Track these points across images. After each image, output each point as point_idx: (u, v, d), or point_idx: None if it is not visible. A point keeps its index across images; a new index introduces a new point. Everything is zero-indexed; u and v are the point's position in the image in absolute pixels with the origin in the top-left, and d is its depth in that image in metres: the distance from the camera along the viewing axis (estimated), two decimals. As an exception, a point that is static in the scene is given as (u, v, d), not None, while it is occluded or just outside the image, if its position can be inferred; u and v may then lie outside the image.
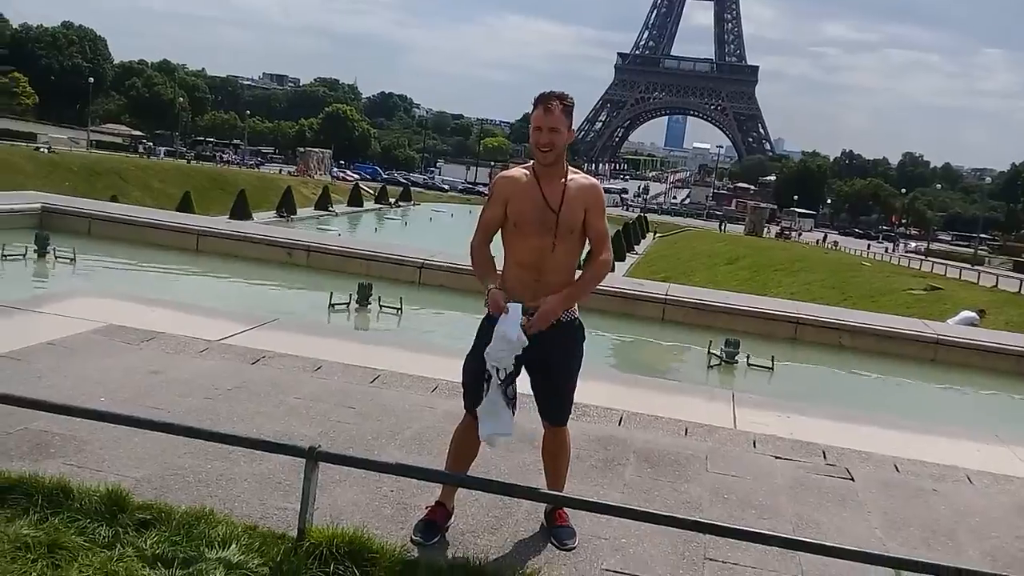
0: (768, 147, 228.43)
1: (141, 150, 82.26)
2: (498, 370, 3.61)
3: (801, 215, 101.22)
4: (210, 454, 4.33)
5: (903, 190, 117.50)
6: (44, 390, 5.00)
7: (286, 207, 49.14)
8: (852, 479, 5.18)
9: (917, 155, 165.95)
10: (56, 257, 10.99)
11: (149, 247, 12.24)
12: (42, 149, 57.96)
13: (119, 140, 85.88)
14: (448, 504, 3.92)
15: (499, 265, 3.86)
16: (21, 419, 4.43)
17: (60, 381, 5.31)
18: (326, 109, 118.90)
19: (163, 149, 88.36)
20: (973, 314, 18.04)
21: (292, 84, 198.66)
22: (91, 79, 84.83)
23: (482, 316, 3.83)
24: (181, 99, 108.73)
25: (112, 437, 4.40)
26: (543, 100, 3.69)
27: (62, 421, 4.41)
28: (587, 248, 3.90)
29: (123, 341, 6.40)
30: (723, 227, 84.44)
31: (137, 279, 11.12)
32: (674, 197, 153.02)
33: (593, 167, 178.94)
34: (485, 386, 3.65)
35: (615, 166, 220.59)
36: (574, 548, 3.84)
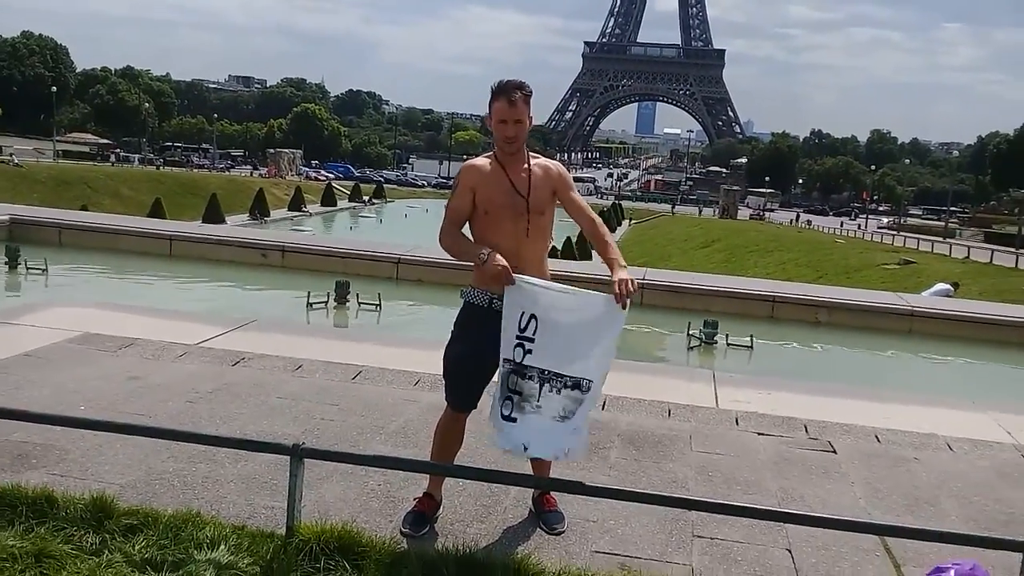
0: (738, 130, 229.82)
1: (112, 159, 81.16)
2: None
3: (770, 195, 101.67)
4: (194, 457, 4.31)
5: (872, 167, 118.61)
6: (23, 401, 4.95)
7: (259, 209, 48.88)
8: (835, 452, 5.24)
9: (885, 132, 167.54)
10: (28, 268, 10.86)
11: (122, 254, 12.11)
12: (8, 162, 57.17)
13: (86, 149, 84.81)
14: (436, 495, 3.92)
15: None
16: (1, 430, 4.38)
17: (38, 391, 5.25)
18: (295, 109, 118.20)
19: (136, 156, 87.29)
20: (947, 286, 18.25)
21: (259, 86, 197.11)
22: (54, 88, 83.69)
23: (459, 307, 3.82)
24: (147, 105, 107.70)
25: (94, 445, 4.36)
26: (505, 92, 3.64)
27: (43, 431, 4.36)
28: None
29: (100, 349, 6.34)
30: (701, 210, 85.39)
31: (111, 287, 11.01)
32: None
33: (565, 156, 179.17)
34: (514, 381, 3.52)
35: (587, 155, 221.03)
36: (563, 532, 3.86)
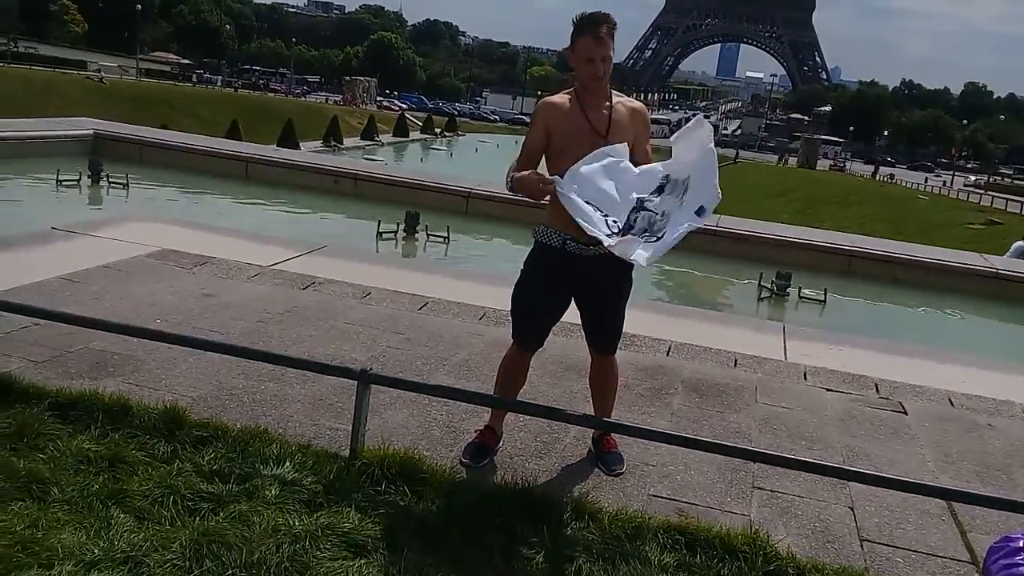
0: (824, 76, 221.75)
1: (194, 79, 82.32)
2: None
3: (843, 145, 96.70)
4: (263, 375, 4.41)
5: (965, 121, 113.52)
6: (102, 311, 5.11)
7: (333, 136, 49.21)
8: (905, 412, 5.11)
9: (981, 85, 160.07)
10: (109, 183, 11.15)
11: (199, 173, 12.35)
12: (93, 78, 58.51)
13: (167, 68, 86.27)
14: (497, 428, 3.95)
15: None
16: (81, 339, 4.54)
17: (117, 303, 5.42)
18: (371, 37, 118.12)
19: (219, 78, 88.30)
20: (1020, 243, 17.74)
21: (338, 11, 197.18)
22: (139, 6, 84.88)
23: (530, 248, 3.76)
24: (227, 27, 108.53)
25: (168, 357, 4.49)
26: (592, 26, 3.44)
27: (121, 341, 4.51)
28: None
29: (176, 265, 6.50)
30: (783, 159, 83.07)
31: (189, 205, 11.27)
32: (726, 128, 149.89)
33: (642, 96, 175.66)
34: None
35: (664, 96, 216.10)
36: (622, 474, 3.85)
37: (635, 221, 3.38)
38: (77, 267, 6.05)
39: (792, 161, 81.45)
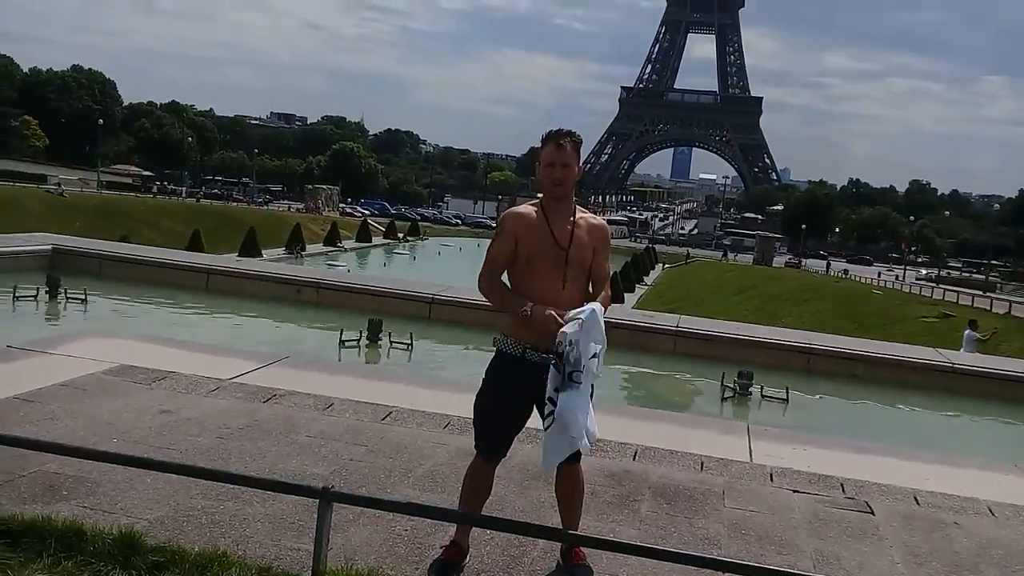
0: (774, 177, 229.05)
1: (155, 190, 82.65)
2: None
3: (777, 240, 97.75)
4: (223, 494, 4.30)
5: (911, 218, 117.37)
6: (57, 431, 4.99)
7: (295, 243, 49.42)
8: (872, 512, 5.11)
9: (924, 183, 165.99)
10: (67, 298, 11.04)
11: (160, 286, 12.29)
12: (52, 190, 58.53)
13: (129, 180, 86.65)
14: (463, 543, 3.87)
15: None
16: (34, 461, 4.41)
17: (72, 422, 5.29)
18: (333, 147, 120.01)
19: (184, 189, 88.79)
20: (968, 331, 18.77)
21: (300, 123, 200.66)
22: (101, 121, 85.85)
23: (493, 351, 3.80)
24: (190, 139, 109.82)
25: (125, 478, 4.38)
26: (555, 137, 3.72)
27: (75, 463, 4.39)
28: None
29: (134, 381, 6.39)
30: (725, 255, 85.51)
31: (148, 319, 11.15)
32: (682, 228, 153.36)
33: (600, 199, 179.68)
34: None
35: (622, 198, 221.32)
36: (592, 587, 3.78)
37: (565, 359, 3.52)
38: (32, 386, 5.93)
39: (734, 257, 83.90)
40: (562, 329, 3.50)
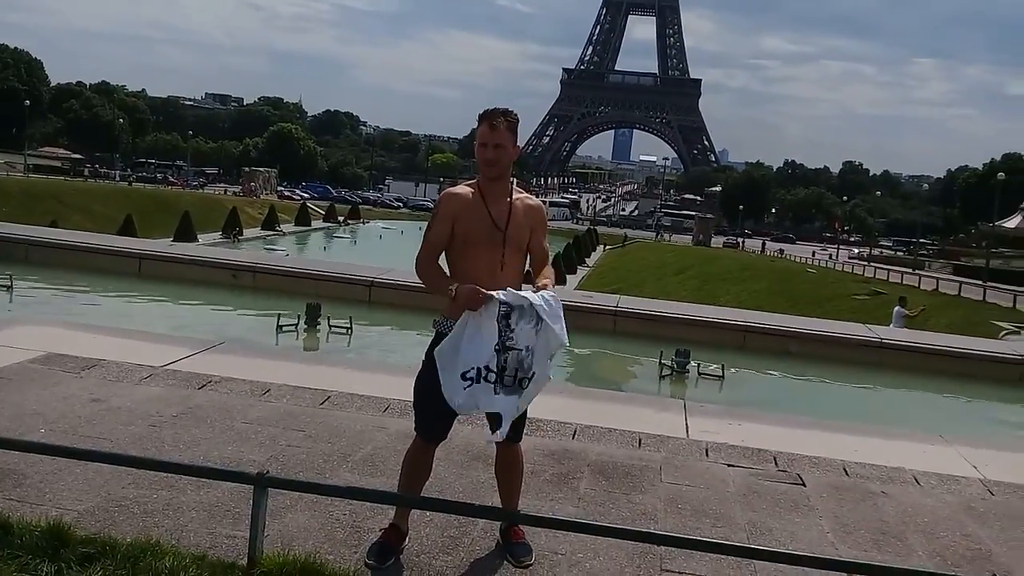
0: (713, 159, 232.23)
1: (86, 174, 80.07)
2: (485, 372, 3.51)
3: (703, 220, 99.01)
4: (155, 483, 4.22)
5: (844, 198, 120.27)
6: (-20, 423, 4.83)
7: (232, 228, 48.49)
8: (803, 484, 5.24)
9: (857, 163, 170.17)
10: (-8, 285, 10.66)
11: (90, 272, 11.95)
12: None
13: (58, 163, 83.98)
14: (402, 526, 3.87)
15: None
16: (-45, 454, 4.27)
17: (-3, 413, 5.13)
18: (271, 128, 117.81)
19: (116, 172, 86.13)
20: (898, 308, 19.58)
21: (236, 104, 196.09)
22: (27, 102, 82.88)
23: (433, 334, 3.79)
24: (121, 121, 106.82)
25: (53, 469, 4.26)
26: (488, 117, 3.71)
27: (1, 454, 4.26)
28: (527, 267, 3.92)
29: (63, 370, 6.22)
30: (659, 236, 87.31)
31: (78, 306, 10.84)
32: (623, 209, 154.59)
33: (542, 181, 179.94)
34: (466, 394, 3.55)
35: (564, 180, 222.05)
36: (531, 565, 3.81)
37: (506, 362, 3.52)
38: (-47, 376, 5.73)
39: (668, 238, 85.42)
40: (495, 295, 3.50)
